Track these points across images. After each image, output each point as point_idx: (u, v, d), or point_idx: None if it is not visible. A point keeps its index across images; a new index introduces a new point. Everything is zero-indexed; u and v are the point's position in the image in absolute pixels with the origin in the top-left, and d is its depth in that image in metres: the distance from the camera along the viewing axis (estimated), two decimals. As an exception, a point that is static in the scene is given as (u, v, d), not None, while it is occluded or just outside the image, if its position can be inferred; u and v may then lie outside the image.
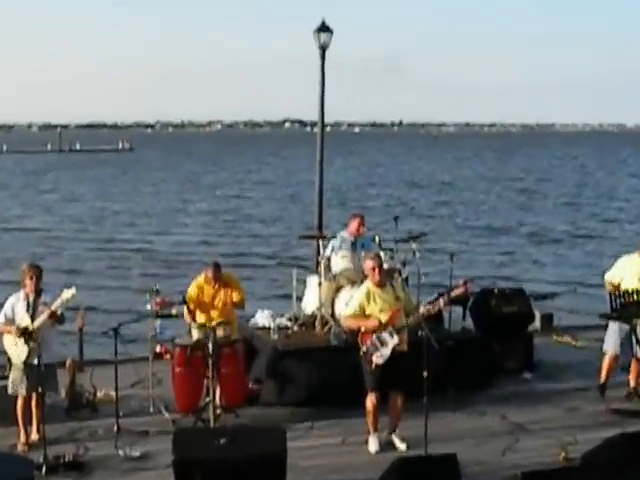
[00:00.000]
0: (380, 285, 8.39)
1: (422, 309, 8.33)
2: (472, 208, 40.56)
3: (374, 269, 8.39)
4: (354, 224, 11.03)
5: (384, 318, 8.22)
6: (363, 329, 8.33)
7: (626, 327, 9.69)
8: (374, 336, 8.25)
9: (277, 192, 50.46)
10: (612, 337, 9.93)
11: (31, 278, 8.53)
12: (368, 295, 8.36)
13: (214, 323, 9.11)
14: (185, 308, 9.53)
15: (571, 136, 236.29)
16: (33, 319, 8.43)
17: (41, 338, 8.32)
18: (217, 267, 9.66)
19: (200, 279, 9.71)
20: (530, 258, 27.10)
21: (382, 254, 10.01)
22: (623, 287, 9.60)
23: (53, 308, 8.33)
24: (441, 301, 8.35)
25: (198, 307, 9.55)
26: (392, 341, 8.18)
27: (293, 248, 25.99)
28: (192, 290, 9.64)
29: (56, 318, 8.43)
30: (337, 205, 36.63)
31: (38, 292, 8.55)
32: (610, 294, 9.59)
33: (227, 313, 9.51)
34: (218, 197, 47.87)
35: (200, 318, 9.47)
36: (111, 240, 30.61)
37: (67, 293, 8.33)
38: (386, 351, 8.19)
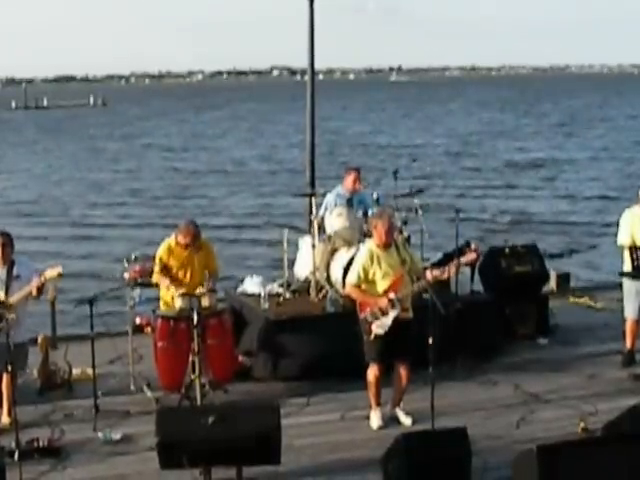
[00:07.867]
0: (385, 246, 8.34)
1: (429, 274, 8.26)
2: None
3: (385, 231, 8.24)
4: (349, 179, 11.02)
5: (386, 284, 8.17)
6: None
7: None
8: (375, 303, 8.22)
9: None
10: (629, 300, 9.93)
11: (2, 248, 8.38)
12: (372, 257, 8.28)
13: (198, 291, 9.07)
14: (156, 268, 9.44)
15: (588, 78, 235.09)
16: (7, 293, 8.31)
17: (16, 314, 8.25)
18: (195, 226, 9.49)
19: (170, 240, 9.59)
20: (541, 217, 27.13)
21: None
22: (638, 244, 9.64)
23: (34, 289, 8.18)
24: (450, 268, 8.31)
25: (168, 272, 9.44)
26: (394, 310, 8.14)
27: (281, 207, 26.05)
28: (162, 251, 9.51)
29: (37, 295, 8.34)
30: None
31: (10, 263, 8.43)
32: (630, 250, 9.60)
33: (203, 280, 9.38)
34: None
35: (172, 285, 9.38)
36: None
37: (53, 271, 8.20)
38: (387, 320, 8.15)
